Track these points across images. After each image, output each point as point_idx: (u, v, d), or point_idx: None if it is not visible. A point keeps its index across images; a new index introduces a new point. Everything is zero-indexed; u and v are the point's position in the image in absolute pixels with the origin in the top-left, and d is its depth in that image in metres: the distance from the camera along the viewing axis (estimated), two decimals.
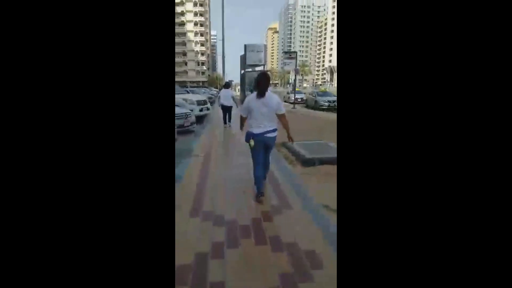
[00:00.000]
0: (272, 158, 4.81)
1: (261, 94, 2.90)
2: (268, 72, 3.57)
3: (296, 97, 17.22)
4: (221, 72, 32.70)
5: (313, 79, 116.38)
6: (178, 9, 64.29)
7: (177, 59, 65.81)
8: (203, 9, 66.75)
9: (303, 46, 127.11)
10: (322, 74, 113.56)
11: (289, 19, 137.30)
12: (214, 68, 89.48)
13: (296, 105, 16.26)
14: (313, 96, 17.60)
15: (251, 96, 3.02)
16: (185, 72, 67.06)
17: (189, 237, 2.30)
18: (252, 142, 2.97)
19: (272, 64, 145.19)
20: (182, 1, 64.42)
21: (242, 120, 3.19)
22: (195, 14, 66.19)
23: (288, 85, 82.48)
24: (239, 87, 24.03)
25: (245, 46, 17.34)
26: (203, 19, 67.37)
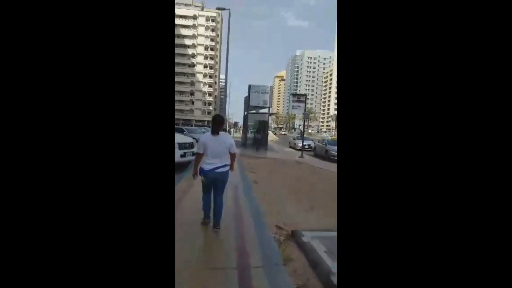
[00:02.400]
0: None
1: (215, 132, 3.10)
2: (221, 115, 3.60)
3: (304, 143, 15.31)
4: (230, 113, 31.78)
5: (318, 125, 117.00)
6: (190, 51, 66.67)
7: (184, 98, 66.62)
8: (213, 53, 69.10)
9: (308, 93, 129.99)
10: (327, 122, 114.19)
11: (296, 68, 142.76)
12: (221, 109, 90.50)
13: (304, 153, 14.23)
14: (323, 144, 15.63)
15: (207, 135, 3.19)
16: (191, 110, 67.30)
17: None
18: (203, 178, 3.14)
19: (278, 109, 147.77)
20: (193, 44, 67.02)
21: (198, 156, 3.20)
22: (205, 57, 68.35)
23: (293, 130, 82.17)
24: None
25: (249, 86, 16.05)
26: (213, 63, 69.39)
